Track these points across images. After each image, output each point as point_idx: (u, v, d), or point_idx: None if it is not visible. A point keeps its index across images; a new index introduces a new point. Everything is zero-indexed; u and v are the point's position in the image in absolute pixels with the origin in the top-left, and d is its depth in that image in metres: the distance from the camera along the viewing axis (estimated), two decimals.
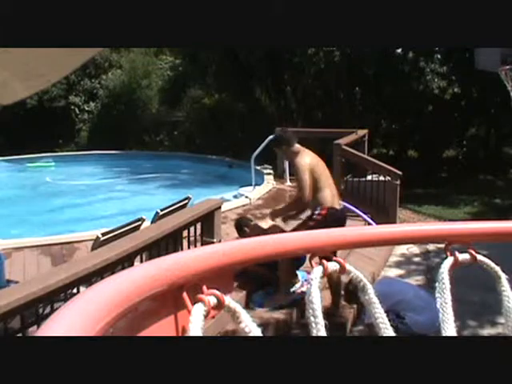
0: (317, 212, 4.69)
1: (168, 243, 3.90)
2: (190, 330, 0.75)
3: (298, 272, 5.14)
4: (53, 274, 2.84)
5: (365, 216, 7.41)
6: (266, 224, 4.91)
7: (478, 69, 8.37)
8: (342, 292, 4.81)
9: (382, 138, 12.42)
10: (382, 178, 7.67)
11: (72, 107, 16.14)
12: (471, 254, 1.12)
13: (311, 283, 0.93)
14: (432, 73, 10.92)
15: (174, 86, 15.75)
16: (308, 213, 4.82)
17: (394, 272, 6.41)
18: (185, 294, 0.80)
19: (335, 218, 4.68)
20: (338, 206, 4.84)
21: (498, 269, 1.15)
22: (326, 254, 1.02)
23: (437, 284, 1.07)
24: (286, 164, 9.25)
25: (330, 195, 4.77)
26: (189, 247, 4.30)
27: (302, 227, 4.66)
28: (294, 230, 4.58)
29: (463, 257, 1.12)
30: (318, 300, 0.90)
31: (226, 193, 8.45)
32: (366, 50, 10.65)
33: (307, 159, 4.73)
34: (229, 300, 0.81)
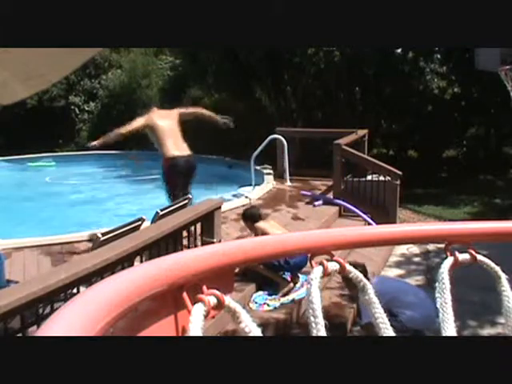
0: (162, 164, 6.13)
1: (168, 243, 3.90)
2: (190, 330, 0.75)
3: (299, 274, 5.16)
4: (53, 274, 2.84)
5: (365, 216, 7.41)
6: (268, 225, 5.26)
7: (478, 69, 8.37)
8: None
9: (382, 138, 12.40)
10: (382, 178, 7.67)
11: (72, 107, 16.14)
12: (471, 254, 1.12)
13: (311, 283, 0.93)
14: (432, 73, 10.92)
15: (173, 85, 15.73)
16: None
17: (394, 272, 6.41)
18: (185, 294, 0.80)
19: (177, 164, 6.02)
20: (180, 153, 6.07)
21: (498, 269, 1.15)
22: (327, 253, 1.02)
23: (437, 284, 1.07)
24: (286, 164, 9.25)
25: (170, 146, 6.03)
26: (189, 247, 4.29)
27: None
28: None
29: (463, 257, 1.12)
30: (317, 300, 0.90)
31: (225, 193, 8.44)
32: (366, 50, 10.64)
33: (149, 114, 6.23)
34: (229, 300, 0.81)
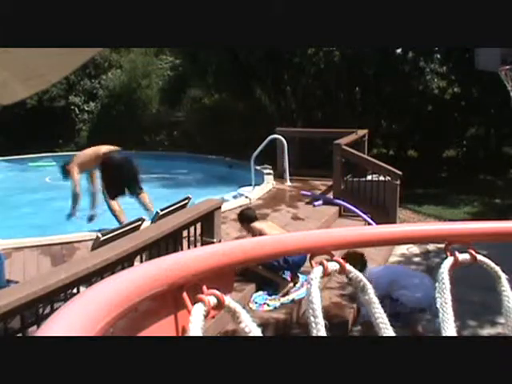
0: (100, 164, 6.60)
1: (168, 243, 3.90)
2: (190, 330, 0.75)
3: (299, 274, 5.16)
4: (53, 274, 2.84)
5: (365, 216, 7.41)
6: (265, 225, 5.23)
7: (478, 69, 8.37)
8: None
9: (382, 138, 12.41)
10: (382, 178, 7.67)
11: (72, 107, 16.13)
12: (471, 254, 1.12)
13: (311, 283, 0.93)
14: (432, 73, 10.93)
15: (173, 86, 15.73)
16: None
17: None
18: (185, 294, 0.80)
19: (113, 158, 6.52)
20: (112, 149, 6.61)
21: (498, 269, 1.15)
22: (327, 253, 1.02)
23: (437, 284, 1.07)
24: (286, 164, 9.25)
25: (100, 149, 6.62)
26: (189, 247, 4.29)
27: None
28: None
29: (463, 257, 1.12)
30: (317, 300, 0.90)
31: (225, 193, 8.44)
32: (366, 50, 10.64)
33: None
34: (229, 300, 0.81)
